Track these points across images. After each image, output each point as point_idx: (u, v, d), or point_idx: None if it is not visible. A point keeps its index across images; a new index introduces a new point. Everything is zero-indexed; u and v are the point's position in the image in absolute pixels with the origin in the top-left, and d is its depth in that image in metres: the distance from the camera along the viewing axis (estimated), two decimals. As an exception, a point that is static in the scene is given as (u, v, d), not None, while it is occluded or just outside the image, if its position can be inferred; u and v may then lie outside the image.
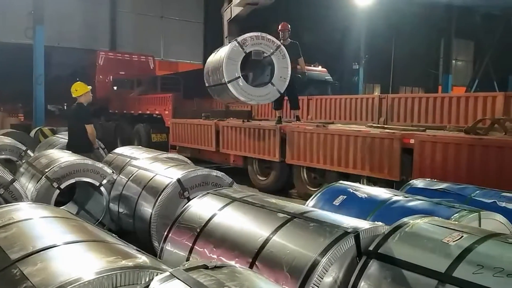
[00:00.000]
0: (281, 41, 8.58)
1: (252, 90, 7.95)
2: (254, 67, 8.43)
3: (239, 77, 7.69)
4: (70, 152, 6.68)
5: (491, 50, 25.43)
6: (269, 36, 7.91)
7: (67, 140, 7.78)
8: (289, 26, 9.00)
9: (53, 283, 1.90)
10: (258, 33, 7.88)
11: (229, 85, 7.62)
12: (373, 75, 26.33)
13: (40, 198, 4.89)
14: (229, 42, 8.24)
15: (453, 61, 26.33)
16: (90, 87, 7.53)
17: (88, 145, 7.18)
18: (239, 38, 7.78)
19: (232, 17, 8.75)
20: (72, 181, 5.28)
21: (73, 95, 7.34)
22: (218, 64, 7.83)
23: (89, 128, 7.20)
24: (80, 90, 7.30)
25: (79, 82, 7.72)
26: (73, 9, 19.16)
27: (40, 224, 2.77)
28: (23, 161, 6.88)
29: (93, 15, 20.21)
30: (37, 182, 5.08)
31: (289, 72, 8.06)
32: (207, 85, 8.82)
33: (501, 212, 3.25)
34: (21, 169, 6.08)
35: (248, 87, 7.91)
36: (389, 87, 27.14)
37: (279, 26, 8.97)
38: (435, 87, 28.24)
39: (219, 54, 8.12)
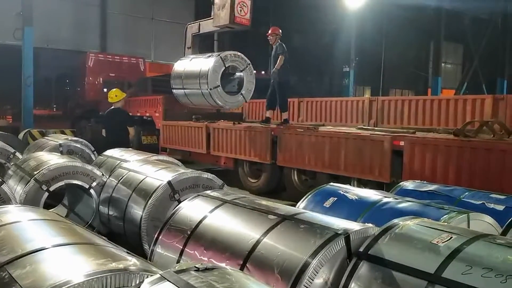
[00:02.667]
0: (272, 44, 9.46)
1: (227, 97, 9.14)
2: (225, 78, 9.69)
3: (219, 85, 8.83)
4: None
5: (479, 53, 25.70)
6: (242, 55, 9.10)
7: (105, 140, 8.52)
8: (279, 30, 9.40)
9: (42, 286, 1.88)
10: (236, 52, 9.13)
11: (211, 92, 8.77)
12: (364, 78, 26.47)
13: (29, 201, 4.83)
14: (193, 53, 9.81)
15: (443, 64, 26.52)
16: (125, 93, 8.48)
17: (127, 144, 7.99)
18: (222, 55, 8.95)
19: (200, 32, 9.90)
20: (61, 183, 5.22)
21: (112, 101, 8.25)
22: (200, 73, 8.96)
23: (131, 130, 8.24)
24: (119, 95, 8.22)
25: (116, 88, 8.76)
26: (62, 10, 19.02)
27: (29, 227, 2.74)
28: (12, 164, 6.79)
29: (83, 16, 20.06)
30: (26, 185, 5.02)
31: (254, 85, 9.22)
32: (174, 86, 9.72)
33: (489, 213, 3.29)
34: (9, 172, 6.00)
35: (224, 94, 9.06)
36: (379, 90, 27.31)
37: (269, 30, 9.49)
38: (425, 90, 28.47)
39: (199, 65, 9.14)
